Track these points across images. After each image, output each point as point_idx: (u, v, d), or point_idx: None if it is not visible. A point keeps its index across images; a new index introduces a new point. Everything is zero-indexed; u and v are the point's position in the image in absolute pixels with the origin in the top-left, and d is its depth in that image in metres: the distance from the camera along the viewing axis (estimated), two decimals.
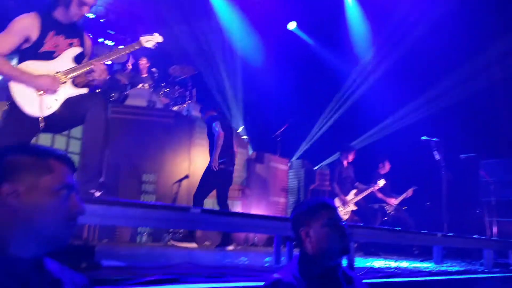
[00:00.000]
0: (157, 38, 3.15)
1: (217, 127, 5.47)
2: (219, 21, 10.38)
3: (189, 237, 5.37)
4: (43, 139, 4.94)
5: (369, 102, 9.95)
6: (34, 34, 2.74)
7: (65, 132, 5.36)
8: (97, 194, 2.67)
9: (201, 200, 5.41)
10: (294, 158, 10.40)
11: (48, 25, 2.79)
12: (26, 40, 2.73)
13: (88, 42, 3.05)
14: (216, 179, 5.47)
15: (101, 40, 8.79)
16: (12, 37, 2.69)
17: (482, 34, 8.83)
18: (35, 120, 2.69)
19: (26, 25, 2.72)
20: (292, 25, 11.58)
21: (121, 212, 2.31)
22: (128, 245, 5.10)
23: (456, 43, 8.99)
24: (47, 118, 2.72)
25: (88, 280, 1.19)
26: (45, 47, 2.77)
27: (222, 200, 5.56)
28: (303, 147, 11.14)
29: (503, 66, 8.76)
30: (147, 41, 3.10)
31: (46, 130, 2.82)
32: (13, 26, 2.70)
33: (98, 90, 3.06)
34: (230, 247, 5.36)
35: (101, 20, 8.92)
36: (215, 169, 5.36)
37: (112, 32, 9.29)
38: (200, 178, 5.56)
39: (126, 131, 6.13)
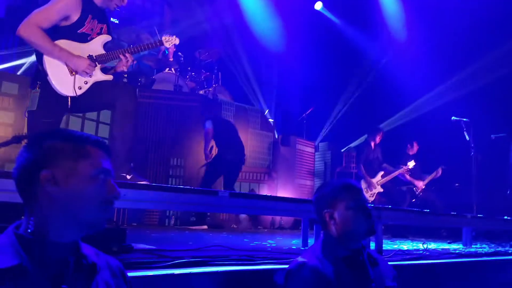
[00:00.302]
0: (175, 40, 3.32)
1: (207, 125, 5.89)
2: (243, 3, 10.29)
3: (200, 221, 5.56)
4: (73, 123, 5.10)
5: (398, 83, 9.73)
6: (75, 15, 2.81)
7: (94, 117, 5.50)
8: (128, 177, 2.76)
9: (208, 186, 5.61)
10: (319, 141, 10.34)
11: (88, 8, 2.87)
12: (66, 18, 2.80)
13: (110, 30, 3.14)
14: (223, 167, 5.79)
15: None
16: (53, 13, 2.75)
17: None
18: (65, 99, 2.79)
19: (69, 4, 2.79)
20: (318, 5, 11.38)
21: (152, 196, 2.37)
22: (157, 228, 5.23)
23: (488, 23, 8.67)
24: (73, 99, 2.81)
25: (122, 264, 1.23)
26: (84, 29, 2.86)
27: (228, 187, 5.76)
28: (329, 129, 11.05)
29: None
30: (167, 41, 3.27)
31: (72, 110, 2.95)
32: (57, 2, 2.76)
33: (125, 80, 3.19)
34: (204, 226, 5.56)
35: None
36: (207, 160, 5.81)
37: (137, 18, 9.37)
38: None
39: (153, 115, 6.24)
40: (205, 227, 5.54)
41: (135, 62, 7.24)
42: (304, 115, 9.43)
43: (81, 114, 5.10)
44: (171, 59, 8.04)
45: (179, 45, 8.13)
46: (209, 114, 6.10)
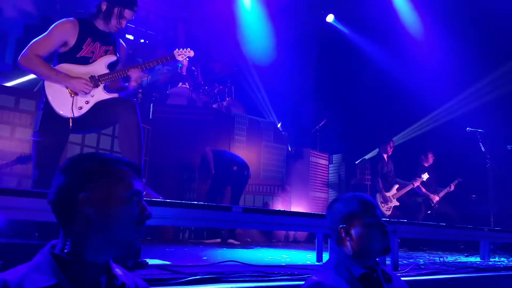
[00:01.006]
0: (189, 53, 3.33)
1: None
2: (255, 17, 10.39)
3: (214, 234, 5.63)
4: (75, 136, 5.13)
5: (413, 94, 9.69)
6: (72, 39, 2.90)
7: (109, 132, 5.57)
8: None
9: (214, 199, 5.69)
10: (334, 153, 10.30)
11: (86, 31, 2.95)
12: (64, 44, 2.90)
13: (122, 49, 3.22)
14: (230, 180, 5.81)
15: (142, 41, 9.03)
16: (51, 41, 2.86)
17: None
18: (66, 120, 2.86)
19: (65, 30, 2.89)
20: (330, 18, 11.44)
21: (166, 213, 2.40)
22: (171, 242, 5.25)
23: (504, 34, 8.62)
24: (75, 119, 2.87)
25: (148, 284, 1.25)
26: (83, 53, 2.93)
27: (235, 200, 5.80)
28: (343, 141, 11.00)
29: None
30: (179, 54, 3.29)
31: (73, 131, 2.98)
32: (54, 30, 2.87)
33: (140, 95, 3.21)
34: (232, 241, 5.55)
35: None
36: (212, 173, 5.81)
37: (153, 33, 9.54)
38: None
39: (168, 130, 6.30)
40: (219, 240, 5.55)
41: (149, 77, 7.35)
42: (317, 127, 9.43)
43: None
44: (185, 73, 8.14)
45: (192, 59, 8.29)
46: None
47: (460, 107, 9.11)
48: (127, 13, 2.98)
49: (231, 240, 5.54)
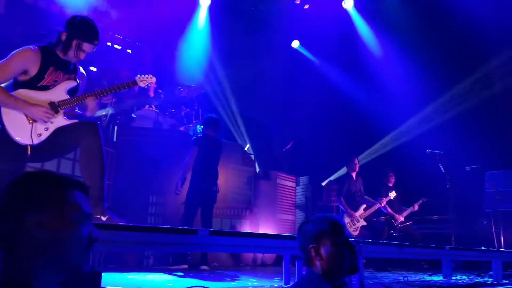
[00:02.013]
0: (151, 79, 3.29)
1: (189, 153, 5.69)
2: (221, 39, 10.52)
3: (180, 260, 5.44)
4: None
5: (375, 115, 9.99)
6: (34, 69, 2.83)
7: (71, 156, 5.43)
8: (103, 219, 2.72)
9: (189, 222, 5.46)
10: (300, 175, 10.40)
11: (49, 60, 2.88)
12: (24, 72, 2.82)
13: (83, 77, 3.18)
14: (197, 199, 5.57)
15: (109, 44, 8.91)
16: (10, 68, 2.77)
17: (484, 45, 8.91)
18: (24, 148, 2.76)
19: (27, 58, 2.81)
20: (295, 43, 11.77)
21: (128, 237, 2.34)
22: (134, 269, 5.10)
23: (460, 54, 9.08)
24: (34, 147, 2.79)
25: None
26: (45, 82, 2.87)
27: (206, 219, 5.59)
28: (310, 163, 11.14)
29: (504, 76, 8.83)
30: (141, 80, 3.25)
31: (32, 159, 2.89)
32: (14, 57, 2.78)
33: (104, 118, 3.15)
34: (205, 267, 5.36)
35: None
36: (176, 193, 5.56)
37: (119, 36, 9.46)
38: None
39: (133, 153, 6.20)
40: (185, 266, 5.41)
41: (114, 100, 7.26)
42: (284, 149, 9.52)
43: None
44: (152, 95, 8.08)
45: (159, 82, 8.25)
46: (197, 139, 5.90)
47: (420, 127, 9.44)
48: (86, 46, 2.93)
49: (203, 267, 5.36)
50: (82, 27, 2.94)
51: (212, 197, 5.69)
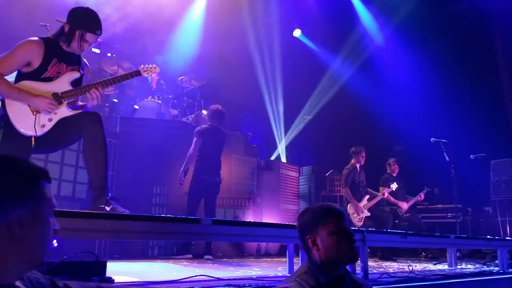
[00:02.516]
0: (155, 69, 3.27)
1: (193, 143, 5.63)
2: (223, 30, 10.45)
3: (184, 249, 5.46)
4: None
5: (378, 105, 9.94)
6: (37, 61, 2.80)
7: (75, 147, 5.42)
8: (108, 209, 2.71)
9: (193, 212, 5.49)
10: (303, 165, 10.38)
11: (52, 52, 2.86)
12: (27, 64, 2.80)
13: (86, 69, 3.15)
14: (201, 189, 5.59)
15: (109, 54, 8.90)
16: (13, 60, 2.75)
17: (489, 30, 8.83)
18: (28, 139, 2.75)
19: (30, 50, 2.79)
20: (297, 32, 11.71)
21: (132, 227, 2.33)
22: (139, 259, 5.12)
23: (464, 43, 9.01)
24: (38, 138, 2.77)
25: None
26: (48, 73, 2.84)
27: (210, 210, 5.60)
28: (313, 153, 11.12)
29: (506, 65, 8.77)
30: (145, 70, 3.22)
31: (36, 150, 2.86)
32: (17, 49, 2.76)
33: (107, 109, 3.11)
34: (209, 257, 5.36)
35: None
36: (181, 183, 5.55)
37: (119, 47, 9.42)
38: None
39: (136, 144, 6.19)
40: (190, 256, 5.43)
41: (116, 91, 7.23)
42: (288, 139, 9.49)
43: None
44: (154, 87, 8.06)
45: (161, 73, 8.21)
46: (201, 129, 5.82)
47: (424, 117, 9.38)
48: (89, 36, 2.90)
49: (207, 256, 5.36)
50: (85, 18, 2.91)
51: (215, 188, 5.69)
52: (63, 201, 4.95)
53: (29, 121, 2.76)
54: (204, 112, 7.52)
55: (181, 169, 5.56)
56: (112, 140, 5.68)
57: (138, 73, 3.19)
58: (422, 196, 7.04)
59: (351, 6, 11.01)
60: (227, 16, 10.08)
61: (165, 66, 8.06)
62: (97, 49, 7.94)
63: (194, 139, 5.67)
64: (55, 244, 2.96)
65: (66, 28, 2.89)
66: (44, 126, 2.79)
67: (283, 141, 10.16)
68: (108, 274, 2.21)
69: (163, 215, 2.64)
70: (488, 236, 5.28)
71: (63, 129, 2.84)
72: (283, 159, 9.78)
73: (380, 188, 6.97)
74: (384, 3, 10.46)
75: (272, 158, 9.96)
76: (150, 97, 7.70)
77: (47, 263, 1.10)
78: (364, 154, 6.92)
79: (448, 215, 7.50)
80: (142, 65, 3.26)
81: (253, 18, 10.63)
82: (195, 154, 5.64)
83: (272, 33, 10.97)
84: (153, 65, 3.29)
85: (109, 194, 2.81)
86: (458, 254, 5.48)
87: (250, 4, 10.53)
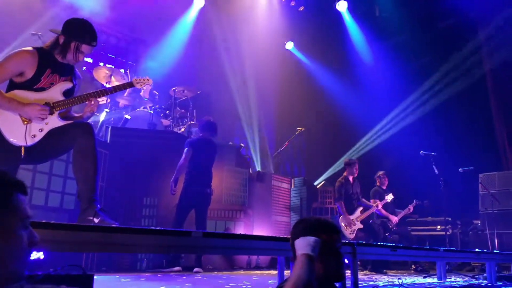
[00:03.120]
0: (148, 81, 3.28)
1: (184, 154, 5.62)
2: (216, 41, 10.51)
3: (173, 262, 5.42)
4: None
5: (365, 117, 10.03)
6: (30, 71, 2.78)
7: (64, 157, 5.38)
8: (96, 221, 2.68)
9: (180, 223, 5.43)
10: (295, 176, 10.38)
11: (46, 63, 2.84)
12: (20, 74, 2.77)
13: (78, 80, 3.13)
14: (190, 200, 5.55)
15: (101, 64, 8.91)
16: (6, 70, 2.72)
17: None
18: (18, 149, 2.71)
19: (23, 61, 2.76)
20: (289, 45, 11.84)
21: (120, 239, 2.31)
22: (128, 272, 5.06)
23: (452, 58, 9.15)
24: (28, 149, 2.74)
25: None
26: (41, 84, 2.82)
27: (200, 221, 5.56)
28: (304, 164, 11.14)
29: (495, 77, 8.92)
30: (137, 82, 3.23)
31: (26, 160, 2.83)
32: (11, 59, 2.74)
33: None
34: (198, 270, 5.30)
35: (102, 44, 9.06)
36: (172, 193, 5.49)
37: (112, 56, 9.44)
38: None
39: (127, 154, 6.16)
40: (179, 268, 5.38)
41: (109, 101, 7.21)
42: (278, 150, 9.51)
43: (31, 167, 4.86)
44: (146, 97, 8.05)
45: (154, 83, 8.20)
46: (191, 140, 5.84)
47: (414, 131, 9.46)
48: (85, 48, 2.90)
49: (197, 269, 5.30)
50: (80, 29, 2.91)
51: (206, 199, 5.65)
52: (51, 212, 4.89)
53: (19, 131, 2.72)
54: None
55: (172, 179, 5.53)
56: (103, 150, 5.65)
57: (131, 85, 3.19)
58: (411, 208, 7.06)
59: (342, 21, 11.17)
60: (220, 27, 10.17)
61: (158, 76, 8.07)
62: (90, 59, 7.94)
63: (185, 150, 5.66)
64: (41, 257, 2.93)
65: (61, 40, 2.87)
66: (34, 136, 2.76)
67: (275, 152, 10.17)
68: None
69: (152, 228, 2.63)
70: (477, 249, 5.31)
71: (54, 139, 2.81)
72: (275, 171, 9.78)
73: (372, 201, 6.98)
74: (374, 20, 10.65)
75: (263, 169, 9.96)
76: (142, 107, 7.69)
77: (31, 276, 1.05)
78: (357, 166, 6.94)
79: (438, 228, 7.55)
80: (135, 77, 3.27)
81: (247, 29, 10.72)
82: (185, 164, 5.63)
83: (265, 45, 11.06)
84: (146, 77, 3.30)
85: (98, 205, 2.78)
86: (447, 267, 5.49)
87: (243, 15, 10.63)
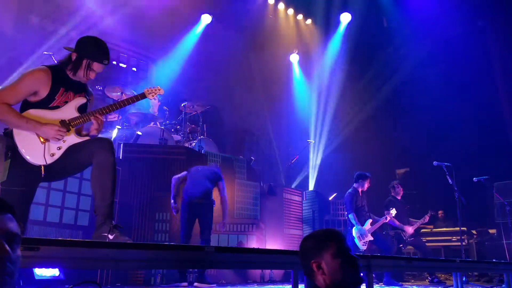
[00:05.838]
0: (159, 91, 3.26)
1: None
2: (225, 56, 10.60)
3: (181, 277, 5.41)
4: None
5: (381, 127, 9.97)
6: (44, 90, 2.80)
7: (78, 174, 5.44)
8: (110, 237, 2.69)
9: (187, 236, 5.44)
10: (306, 189, 10.34)
11: (59, 81, 2.86)
12: (34, 93, 2.79)
13: (91, 96, 3.13)
14: (190, 213, 5.57)
15: (114, 62, 9.04)
16: (21, 90, 2.74)
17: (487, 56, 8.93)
18: (38, 168, 2.72)
19: (37, 80, 2.78)
20: (294, 58, 11.90)
21: (134, 256, 2.31)
22: (142, 287, 5.06)
23: (465, 65, 9.11)
24: (47, 167, 2.75)
25: None
26: (56, 103, 2.84)
27: (203, 230, 5.54)
28: (316, 177, 11.08)
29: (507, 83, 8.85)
30: (149, 93, 3.21)
31: (45, 178, 2.85)
32: (24, 78, 2.76)
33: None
34: (199, 285, 5.28)
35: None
36: (174, 212, 5.66)
37: (124, 55, 9.61)
38: None
39: (139, 170, 6.20)
40: (186, 284, 5.35)
41: (120, 117, 7.30)
42: (290, 163, 9.49)
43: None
44: (156, 113, 8.13)
45: (164, 98, 8.28)
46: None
47: (428, 140, 9.38)
48: (96, 66, 2.90)
49: (196, 284, 5.29)
50: (92, 47, 2.93)
51: (207, 208, 5.64)
52: (65, 229, 4.94)
53: (38, 150, 2.73)
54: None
55: (171, 197, 5.63)
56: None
57: (143, 96, 3.16)
58: (427, 218, 6.95)
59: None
60: (229, 40, 10.26)
61: (167, 92, 8.16)
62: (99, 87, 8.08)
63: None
64: (57, 274, 2.95)
65: (74, 57, 2.89)
66: (53, 155, 2.77)
67: (286, 165, 10.16)
68: None
69: (165, 243, 2.63)
70: (494, 260, 5.20)
71: (73, 156, 2.81)
72: (286, 184, 9.76)
73: (386, 212, 6.90)
74: None
75: (275, 182, 9.94)
76: (152, 123, 7.76)
77: None
78: (369, 181, 6.85)
79: (453, 239, 7.43)
80: (147, 88, 3.25)
81: (256, 42, 10.80)
82: (178, 178, 5.76)
83: (274, 57, 11.14)
84: (157, 87, 3.28)
85: (113, 222, 2.78)
86: (464, 278, 5.39)
87: (252, 28, 10.72)
